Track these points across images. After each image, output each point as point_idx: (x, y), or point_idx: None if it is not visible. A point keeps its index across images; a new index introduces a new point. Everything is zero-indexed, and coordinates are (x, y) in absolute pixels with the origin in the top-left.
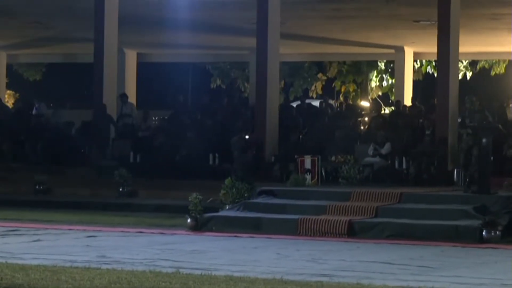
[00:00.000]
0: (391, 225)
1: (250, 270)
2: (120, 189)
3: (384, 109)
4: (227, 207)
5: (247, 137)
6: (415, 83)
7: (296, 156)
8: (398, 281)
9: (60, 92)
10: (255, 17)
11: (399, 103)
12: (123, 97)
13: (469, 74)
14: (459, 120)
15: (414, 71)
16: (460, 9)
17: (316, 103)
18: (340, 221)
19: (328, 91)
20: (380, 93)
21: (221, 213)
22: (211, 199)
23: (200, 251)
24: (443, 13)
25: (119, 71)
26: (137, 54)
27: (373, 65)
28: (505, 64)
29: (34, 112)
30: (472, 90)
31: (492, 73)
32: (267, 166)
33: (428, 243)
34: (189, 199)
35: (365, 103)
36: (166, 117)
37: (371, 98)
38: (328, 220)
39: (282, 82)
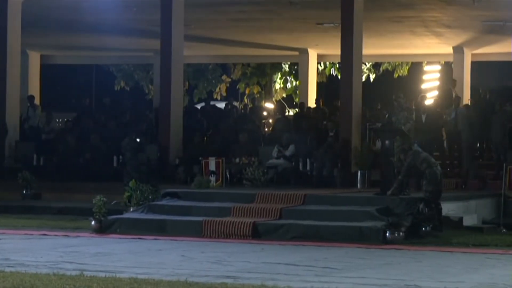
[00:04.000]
0: (296, 227)
1: (155, 273)
2: (24, 192)
3: (288, 111)
4: (131, 209)
5: (138, 140)
6: (319, 85)
7: (200, 158)
8: (302, 282)
9: None
10: (159, 19)
11: (302, 105)
12: (30, 99)
13: (372, 76)
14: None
15: (318, 73)
16: (363, 11)
17: (220, 105)
18: (244, 223)
19: (232, 93)
20: (284, 95)
21: (126, 215)
22: (115, 201)
23: (104, 254)
24: (346, 16)
25: (22, 73)
26: (41, 56)
27: (277, 67)
28: (408, 66)
29: None
30: (376, 92)
31: (395, 75)
32: (171, 168)
33: (332, 244)
34: (93, 202)
35: (269, 105)
36: (70, 120)
37: (275, 100)
38: (233, 222)
39: (187, 84)
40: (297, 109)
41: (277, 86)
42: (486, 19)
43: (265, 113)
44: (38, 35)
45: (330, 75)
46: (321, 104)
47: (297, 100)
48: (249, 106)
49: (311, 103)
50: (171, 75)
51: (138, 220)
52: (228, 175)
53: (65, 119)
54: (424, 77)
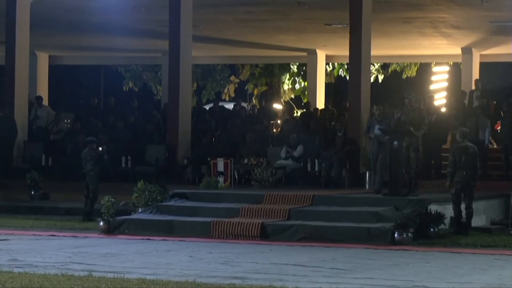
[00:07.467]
0: (304, 228)
1: (163, 273)
2: (32, 192)
3: (297, 112)
4: (139, 210)
5: (100, 148)
6: (328, 85)
7: (208, 159)
8: (310, 283)
9: None
10: (167, 19)
11: (307, 105)
12: (38, 99)
13: (380, 77)
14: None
15: (326, 74)
16: (371, 12)
17: (229, 105)
18: (252, 223)
19: (240, 94)
20: (292, 96)
21: (134, 216)
22: (123, 202)
23: (112, 254)
24: (355, 17)
25: (31, 74)
26: (49, 56)
27: (285, 68)
28: (416, 67)
29: None
30: (384, 93)
31: (404, 76)
32: (179, 169)
33: (340, 245)
34: (102, 202)
35: (277, 106)
36: (77, 120)
37: (284, 101)
38: (241, 223)
39: (195, 85)
40: (304, 110)
41: (286, 87)
42: (494, 20)
43: (273, 114)
44: (47, 36)
45: (339, 76)
46: (329, 105)
47: (305, 100)
48: (257, 106)
49: (320, 103)
50: (180, 75)
51: (146, 221)
52: (236, 176)
53: (73, 120)
54: (433, 78)
